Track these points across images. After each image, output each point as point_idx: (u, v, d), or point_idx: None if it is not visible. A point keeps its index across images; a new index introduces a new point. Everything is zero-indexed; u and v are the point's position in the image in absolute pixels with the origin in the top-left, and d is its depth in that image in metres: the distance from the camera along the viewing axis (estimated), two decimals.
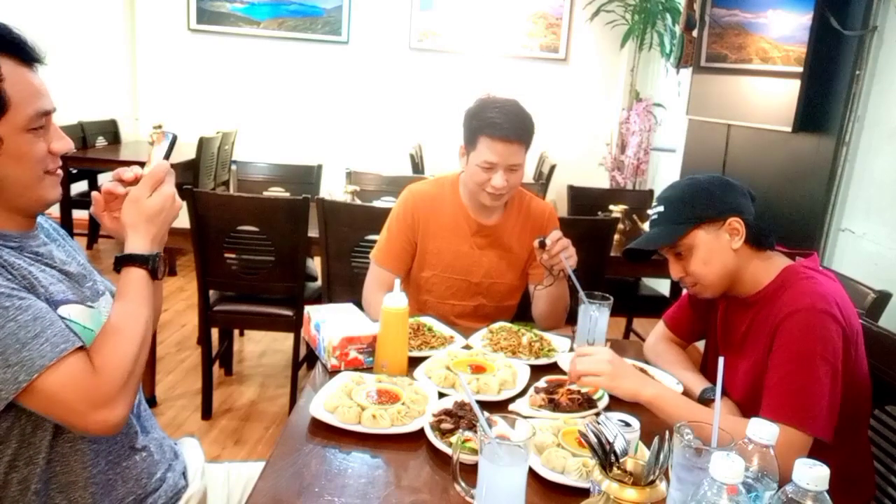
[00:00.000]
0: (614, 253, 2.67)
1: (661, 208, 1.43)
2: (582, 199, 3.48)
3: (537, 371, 1.58)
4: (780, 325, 1.29)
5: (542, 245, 1.78)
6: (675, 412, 1.29)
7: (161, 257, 1.15)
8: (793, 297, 1.30)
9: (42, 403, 0.97)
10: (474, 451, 1.08)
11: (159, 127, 4.71)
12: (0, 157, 1.01)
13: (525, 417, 1.27)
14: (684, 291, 1.58)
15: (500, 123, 1.82)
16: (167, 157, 1.20)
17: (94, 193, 1.19)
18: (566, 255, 1.78)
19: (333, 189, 3.54)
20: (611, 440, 0.92)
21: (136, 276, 1.12)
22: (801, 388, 1.22)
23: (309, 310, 1.68)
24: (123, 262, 1.13)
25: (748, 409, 1.34)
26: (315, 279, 3.13)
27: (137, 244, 1.13)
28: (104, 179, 4.82)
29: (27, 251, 1.08)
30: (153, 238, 1.14)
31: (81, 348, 1.01)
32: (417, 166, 4.53)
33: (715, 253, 1.37)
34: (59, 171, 1.11)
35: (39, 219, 1.16)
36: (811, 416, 1.20)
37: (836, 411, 1.23)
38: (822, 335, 1.24)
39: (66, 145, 1.11)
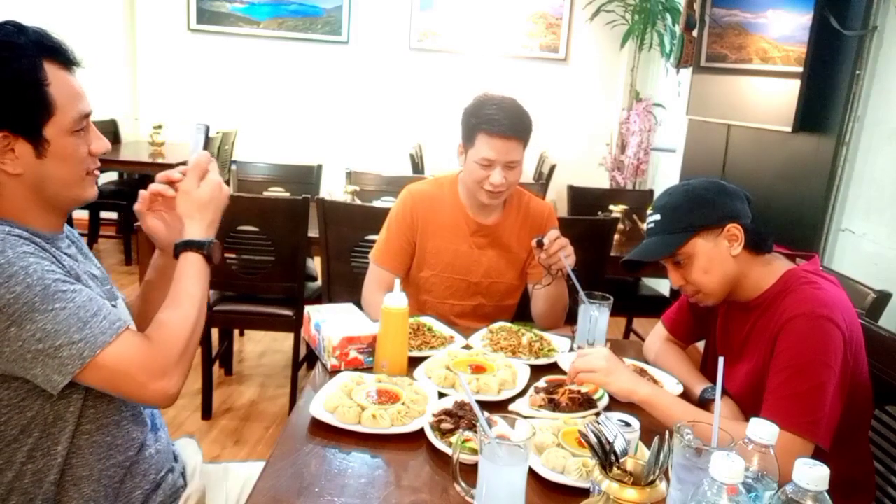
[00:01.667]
0: (614, 253, 2.67)
1: (657, 217, 1.41)
2: (582, 199, 3.48)
3: (537, 371, 1.58)
4: (781, 330, 1.28)
5: (540, 245, 1.77)
6: (670, 412, 1.29)
7: (215, 243, 1.21)
8: (794, 302, 1.29)
9: (105, 377, 1.02)
10: (474, 451, 1.08)
11: (160, 126, 4.70)
12: (46, 158, 1.05)
13: (525, 417, 1.26)
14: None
15: (499, 120, 1.82)
16: (205, 146, 1.25)
17: (142, 191, 1.26)
18: (565, 254, 1.78)
19: (333, 189, 3.54)
20: (611, 440, 0.92)
21: (192, 260, 1.19)
22: (802, 393, 1.21)
23: (309, 310, 1.68)
24: (181, 247, 1.19)
25: (747, 413, 1.33)
26: (315, 279, 3.13)
27: (194, 231, 1.20)
28: (106, 180, 4.84)
29: (58, 250, 1.11)
30: (208, 224, 1.22)
31: (129, 327, 1.07)
32: (417, 166, 4.54)
33: (715, 261, 1.36)
34: (97, 171, 1.16)
35: None
36: (811, 421, 1.20)
37: (836, 418, 1.22)
38: (824, 341, 1.23)
39: (104, 146, 1.15)
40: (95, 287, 1.13)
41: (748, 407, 1.35)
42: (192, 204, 1.21)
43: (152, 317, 1.16)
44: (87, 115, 1.10)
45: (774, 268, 1.38)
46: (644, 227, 1.52)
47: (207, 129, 1.13)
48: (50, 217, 1.12)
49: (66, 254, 1.13)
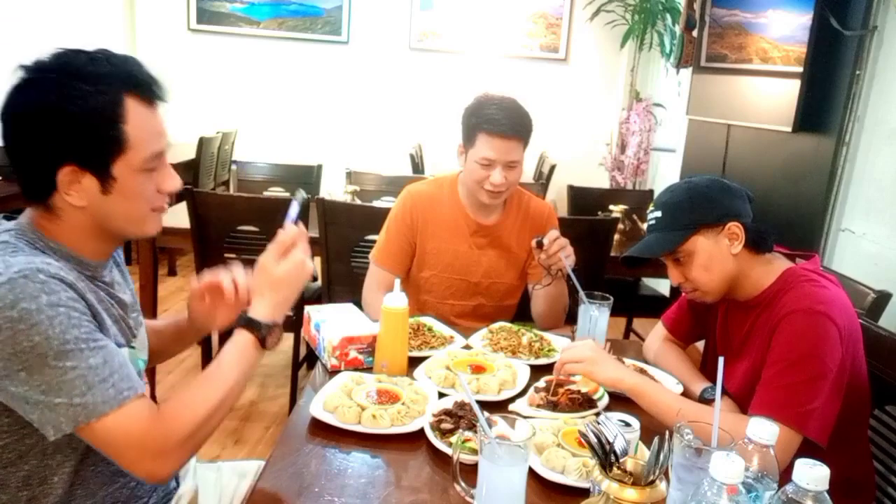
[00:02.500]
0: (614, 253, 2.67)
1: (658, 214, 1.41)
2: (582, 199, 3.47)
3: (537, 371, 1.58)
4: (777, 324, 1.28)
5: (540, 245, 1.77)
6: (657, 400, 1.29)
7: (276, 326, 1.15)
8: (793, 298, 1.29)
9: (97, 441, 1.00)
10: (474, 451, 1.08)
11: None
12: (111, 195, 1.03)
13: (525, 417, 1.26)
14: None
15: (499, 120, 1.83)
16: (297, 221, 1.22)
17: (203, 279, 1.28)
18: (564, 254, 1.78)
19: (333, 189, 3.54)
20: (611, 440, 0.92)
21: (243, 340, 1.13)
22: (793, 384, 1.21)
23: (309, 310, 1.68)
24: (240, 323, 1.14)
25: (745, 411, 1.33)
26: (315, 279, 3.13)
27: (259, 310, 1.15)
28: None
29: (98, 280, 1.10)
30: (276, 305, 1.16)
31: (143, 395, 1.03)
32: (417, 166, 4.54)
33: (715, 259, 1.36)
34: (165, 206, 1.12)
35: None
36: (800, 413, 1.19)
37: (833, 415, 1.22)
38: (819, 336, 1.23)
39: (176, 184, 1.12)
40: (118, 333, 1.10)
41: (747, 405, 1.35)
42: (265, 281, 1.16)
43: (160, 351, 1.16)
44: (160, 154, 1.07)
45: (774, 267, 1.38)
46: (645, 225, 1.52)
47: (307, 200, 1.08)
48: (103, 246, 1.10)
49: (103, 283, 1.10)
